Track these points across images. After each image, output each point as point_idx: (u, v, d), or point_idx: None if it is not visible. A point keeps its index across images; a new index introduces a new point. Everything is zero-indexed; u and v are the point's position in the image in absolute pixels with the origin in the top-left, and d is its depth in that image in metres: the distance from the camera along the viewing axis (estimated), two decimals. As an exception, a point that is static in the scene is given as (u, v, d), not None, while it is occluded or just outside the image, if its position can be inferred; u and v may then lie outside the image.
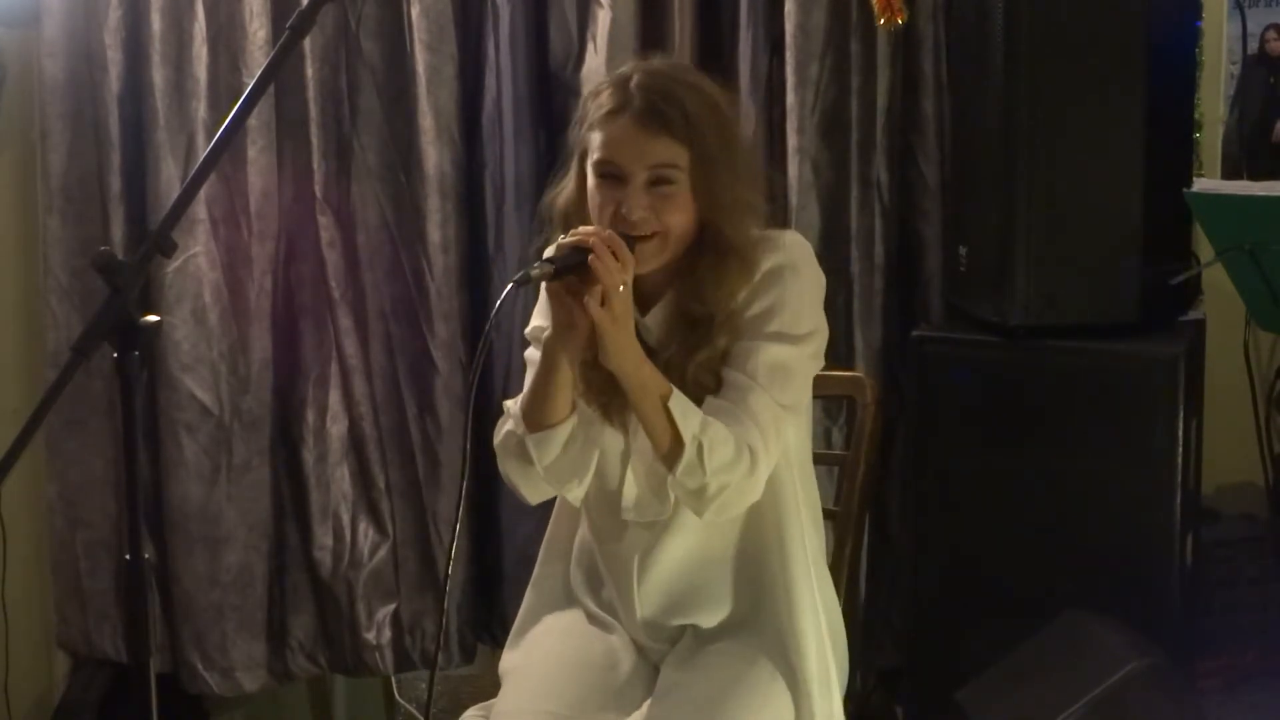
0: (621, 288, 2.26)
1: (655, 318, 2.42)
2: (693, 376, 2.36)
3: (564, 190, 2.45)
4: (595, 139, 2.36)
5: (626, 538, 2.48)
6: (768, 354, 2.36)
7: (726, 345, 2.37)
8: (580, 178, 2.41)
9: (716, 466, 2.30)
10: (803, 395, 2.44)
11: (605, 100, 2.35)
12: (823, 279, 2.46)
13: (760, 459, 2.34)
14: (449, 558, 2.45)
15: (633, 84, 2.34)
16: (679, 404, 2.31)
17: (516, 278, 2.28)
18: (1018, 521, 3.11)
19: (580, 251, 2.27)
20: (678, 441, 2.30)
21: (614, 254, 2.26)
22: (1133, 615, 2.90)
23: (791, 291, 2.38)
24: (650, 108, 2.32)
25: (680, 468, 2.31)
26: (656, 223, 2.32)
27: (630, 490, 2.45)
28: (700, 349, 2.36)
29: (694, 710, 2.37)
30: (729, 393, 2.35)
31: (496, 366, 3.65)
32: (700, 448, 2.30)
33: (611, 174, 2.35)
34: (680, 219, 2.34)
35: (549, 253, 2.38)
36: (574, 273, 2.28)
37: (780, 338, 2.36)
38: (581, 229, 2.31)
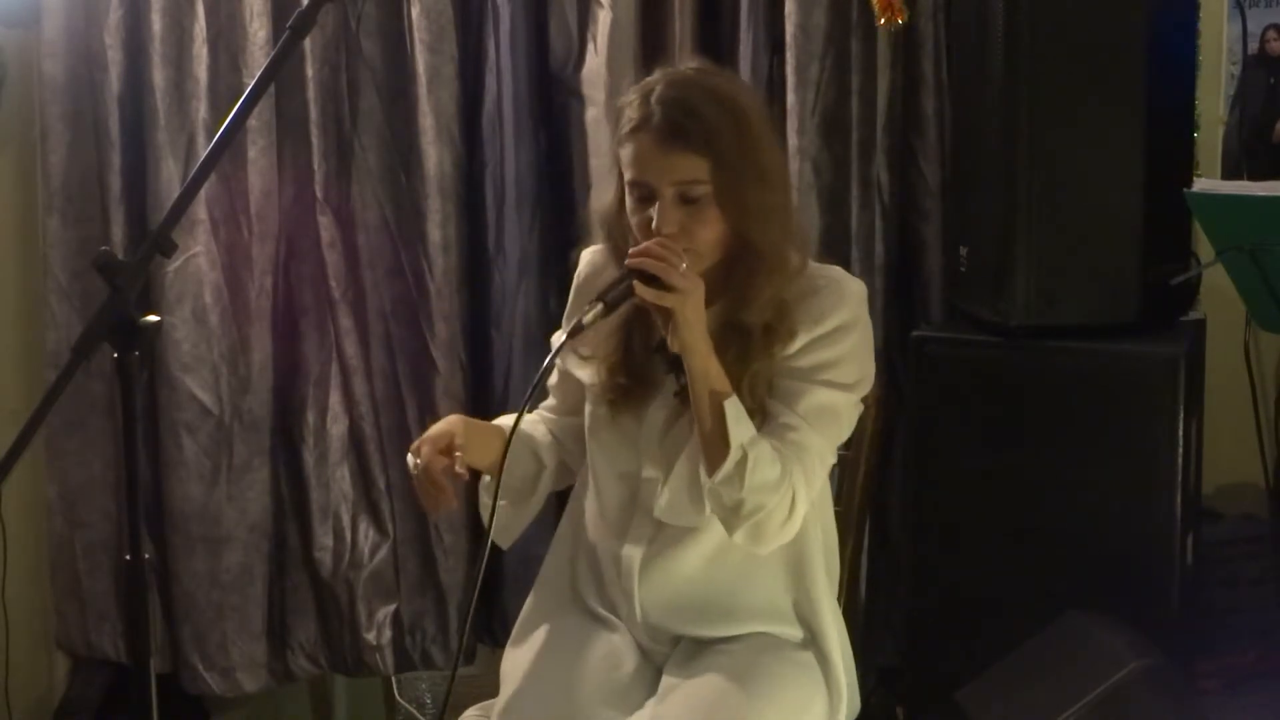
0: (683, 266, 2.28)
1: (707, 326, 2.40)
2: (747, 387, 2.36)
3: (604, 199, 2.47)
4: (625, 155, 2.37)
5: (629, 537, 2.48)
6: (818, 397, 2.37)
7: (775, 368, 2.37)
8: (620, 188, 2.42)
9: (756, 484, 2.30)
10: (845, 438, 2.47)
11: (631, 114, 2.36)
12: (871, 325, 2.47)
13: (800, 497, 2.35)
14: (479, 569, 2.39)
15: (654, 97, 2.34)
16: (734, 409, 2.31)
17: (570, 329, 2.31)
18: (1018, 521, 3.11)
19: (622, 280, 2.31)
20: (725, 446, 2.30)
21: (657, 255, 2.28)
22: (1133, 615, 2.89)
23: (848, 346, 2.40)
24: (669, 123, 2.32)
25: (720, 475, 2.31)
26: (686, 238, 2.33)
27: (667, 490, 2.44)
28: (754, 359, 2.37)
29: (708, 701, 2.36)
30: (778, 429, 2.36)
31: (496, 367, 3.65)
32: (744, 459, 2.30)
33: (641, 190, 2.36)
34: (710, 231, 2.35)
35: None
36: (624, 302, 2.33)
37: (832, 385, 2.38)
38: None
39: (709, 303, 2.36)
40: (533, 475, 2.59)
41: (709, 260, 2.36)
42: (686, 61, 2.46)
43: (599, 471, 2.53)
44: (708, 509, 2.38)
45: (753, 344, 2.36)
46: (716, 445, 2.31)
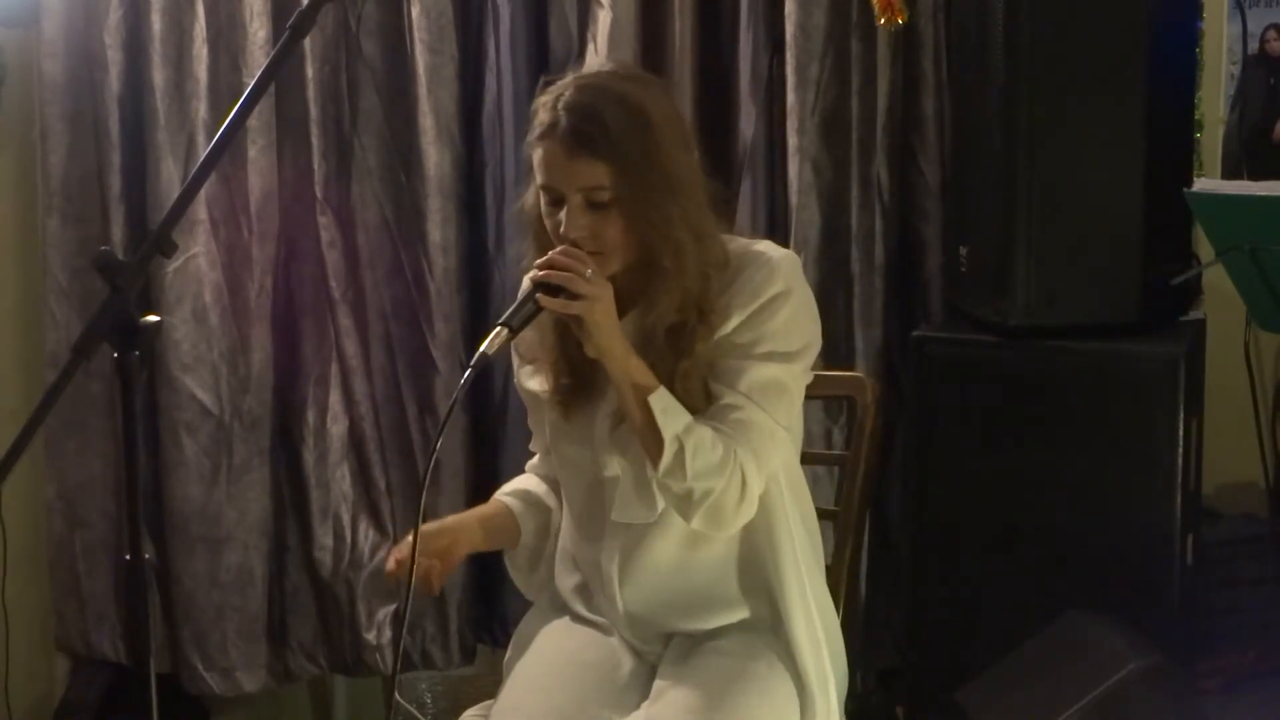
0: (589, 272, 2.29)
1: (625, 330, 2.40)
2: (680, 387, 2.36)
3: (526, 199, 2.47)
4: (535, 160, 2.38)
5: (604, 540, 2.49)
6: (760, 372, 2.37)
7: (710, 357, 2.37)
8: (537, 188, 2.42)
9: (699, 470, 2.31)
10: (795, 410, 2.46)
11: (541, 118, 2.37)
12: (810, 292, 2.47)
13: (751, 475, 2.35)
14: (410, 563, 2.39)
15: (561, 103, 2.34)
16: (661, 402, 2.32)
17: (474, 361, 2.29)
18: (1018, 521, 3.11)
19: (527, 298, 2.32)
20: (660, 440, 2.31)
21: (562, 265, 2.29)
22: (1133, 615, 2.89)
23: (784, 316, 2.39)
24: (572, 130, 2.32)
25: (661, 468, 2.31)
26: (595, 241, 2.34)
27: (617, 492, 2.45)
28: (681, 358, 2.36)
29: (698, 702, 2.37)
30: (720, 410, 2.36)
31: (496, 367, 3.64)
32: (681, 449, 2.30)
33: (551, 195, 2.37)
34: (616, 234, 2.35)
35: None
36: (532, 319, 2.33)
37: (772, 356, 2.38)
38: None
39: (625, 308, 2.37)
40: (543, 526, 2.62)
41: (619, 262, 2.37)
42: (604, 63, 2.46)
43: (566, 479, 2.55)
44: (660, 503, 2.40)
45: (671, 345, 2.36)
46: (652, 441, 2.32)
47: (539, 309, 2.32)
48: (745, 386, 2.36)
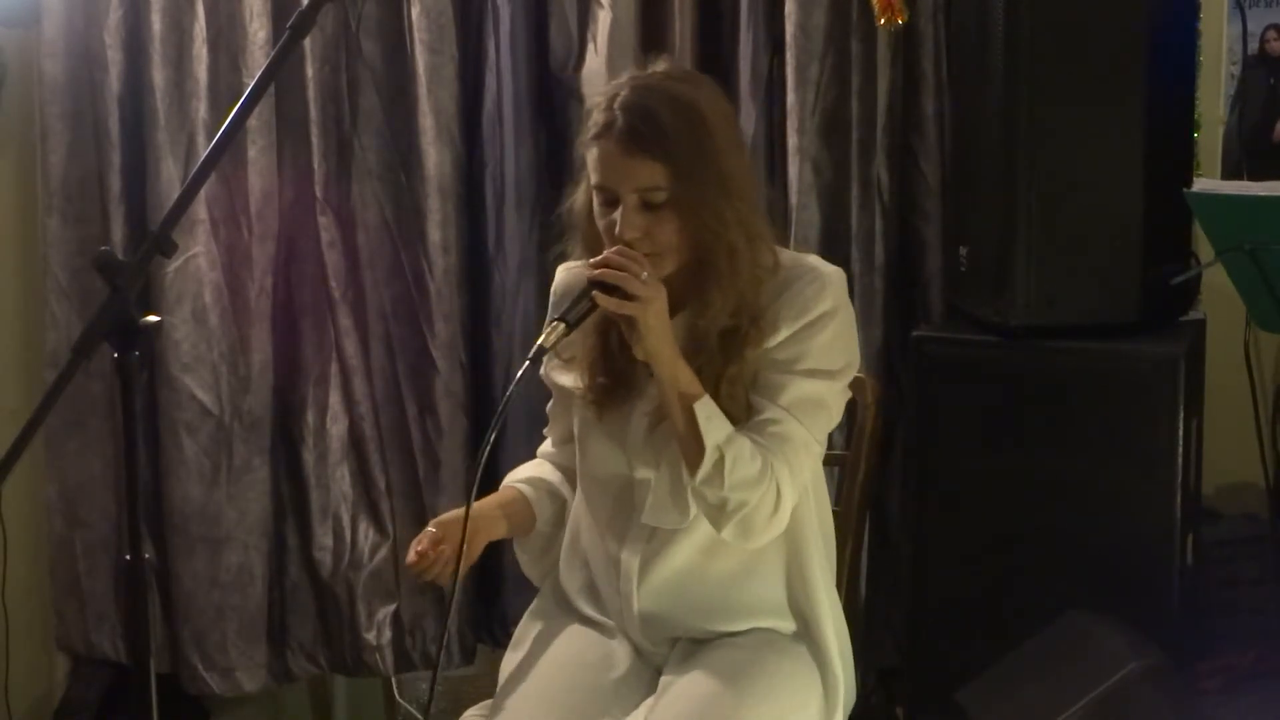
0: (645, 274, 2.29)
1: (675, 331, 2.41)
2: (725, 393, 2.37)
3: (577, 199, 2.48)
4: (590, 160, 2.39)
5: (626, 540, 2.48)
6: (802, 388, 2.38)
7: (756, 365, 2.38)
8: (588, 190, 2.43)
9: (737, 481, 2.31)
10: (833, 426, 2.47)
11: (596, 118, 2.38)
12: (853, 310, 2.48)
13: (786, 489, 2.36)
14: (455, 569, 2.42)
15: (617, 103, 2.35)
16: (705, 410, 2.32)
17: (532, 353, 2.31)
18: (1018, 522, 3.11)
19: (583, 295, 2.32)
20: (701, 448, 2.31)
21: (618, 265, 2.30)
22: (1133, 615, 2.90)
23: (830, 334, 2.40)
24: (630, 130, 2.33)
25: (699, 476, 2.32)
26: (649, 242, 2.35)
27: (650, 495, 2.45)
28: (728, 364, 2.37)
29: (705, 691, 2.37)
30: (759, 424, 2.37)
31: (496, 367, 3.65)
32: (721, 458, 2.31)
33: (606, 195, 2.37)
34: (671, 235, 2.36)
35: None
36: (587, 316, 2.34)
37: (814, 374, 2.39)
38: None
39: (675, 310, 2.37)
40: (559, 513, 2.63)
41: (673, 264, 2.37)
42: (656, 64, 2.46)
43: (590, 477, 2.54)
44: (693, 510, 2.40)
45: (721, 349, 2.37)
46: (693, 448, 2.32)
47: (594, 306, 2.32)
48: (786, 401, 2.37)
